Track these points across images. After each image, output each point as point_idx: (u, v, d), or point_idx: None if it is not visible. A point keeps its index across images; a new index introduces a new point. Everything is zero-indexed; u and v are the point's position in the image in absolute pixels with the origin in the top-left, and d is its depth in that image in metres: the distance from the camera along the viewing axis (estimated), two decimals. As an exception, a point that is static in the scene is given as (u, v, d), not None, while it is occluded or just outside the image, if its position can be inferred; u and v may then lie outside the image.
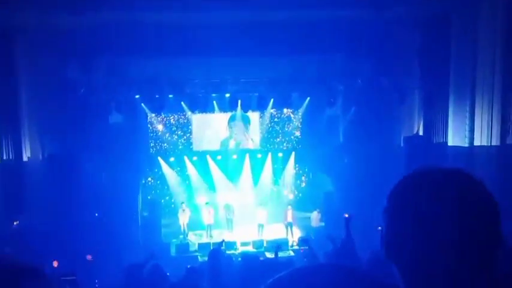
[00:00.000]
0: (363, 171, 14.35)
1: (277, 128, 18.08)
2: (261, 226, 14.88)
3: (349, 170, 15.15)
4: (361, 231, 7.66)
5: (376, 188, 13.82)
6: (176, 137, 17.56)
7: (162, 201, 16.46)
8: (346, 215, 7.17)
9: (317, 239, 10.84)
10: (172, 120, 17.52)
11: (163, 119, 17.40)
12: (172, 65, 13.63)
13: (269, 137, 18.06)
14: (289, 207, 14.97)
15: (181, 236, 15.09)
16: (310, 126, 17.23)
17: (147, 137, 17.20)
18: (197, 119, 17.46)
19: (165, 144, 17.46)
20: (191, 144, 17.65)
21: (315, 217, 15.17)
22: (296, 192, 18.32)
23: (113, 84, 13.91)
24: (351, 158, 15.45)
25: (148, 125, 17.13)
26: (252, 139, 17.86)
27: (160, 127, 17.37)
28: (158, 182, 17.49)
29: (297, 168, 18.31)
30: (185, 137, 17.67)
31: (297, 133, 18.09)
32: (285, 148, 18.12)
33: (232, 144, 17.85)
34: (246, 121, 17.62)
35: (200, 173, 17.63)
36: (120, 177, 13.84)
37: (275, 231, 14.85)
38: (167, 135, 17.55)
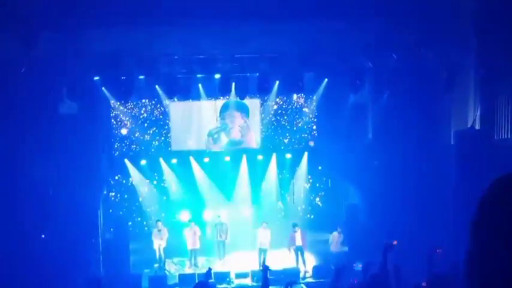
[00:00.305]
0: (399, 178, 14.67)
1: (285, 120, 18.35)
2: (263, 251, 15.04)
3: (381, 176, 15.37)
4: (399, 258, 7.82)
5: (419, 200, 14.47)
6: (149, 133, 17.83)
7: (130, 223, 16.65)
8: (395, 243, 7.51)
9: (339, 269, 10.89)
10: (143, 111, 17.76)
11: (131, 108, 17.64)
12: (143, 35, 13.62)
13: (273, 132, 18.33)
14: (297, 228, 15.04)
15: (156, 265, 15.31)
16: (329, 117, 17.44)
17: (110, 132, 17.37)
18: (177, 109, 17.72)
19: (134, 145, 17.79)
20: (169, 142, 17.94)
21: (335, 239, 15.37)
22: (310, 207, 18.65)
23: (63, 61, 13.80)
24: (384, 160, 15.67)
25: (112, 117, 17.40)
26: (250, 135, 18.16)
27: (127, 119, 17.63)
28: (125, 194, 17.86)
29: (310, 174, 18.54)
30: (161, 133, 17.95)
31: (311, 127, 18.37)
32: (295, 147, 18.33)
33: (224, 142, 18.09)
34: (243, 111, 17.91)
35: (181, 181, 17.92)
36: (74, 187, 14.08)
37: (282, 259, 14.99)
38: (137, 130, 17.78)
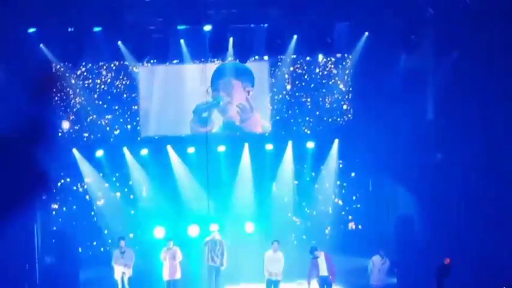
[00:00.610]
0: (472, 179, 15.21)
1: (305, 93, 18.26)
2: (272, 284, 15.01)
3: (446, 175, 15.61)
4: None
5: (499, 210, 14.63)
6: (108, 110, 17.85)
7: (80, 245, 16.83)
8: (447, 261, 7.79)
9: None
10: (100, 80, 17.79)
11: (82, 75, 17.60)
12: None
13: (289, 111, 18.29)
14: (319, 252, 14.76)
15: None
16: (369, 90, 17.32)
17: (52, 109, 16.53)
18: (149, 76, 17.91)
19: (87, 130, 17.91)
20: (137, 125, 18.05)
21: (376, 267, 15.27)
22: (340, 221, 18.57)
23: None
24: (449, 152, 15.84)
25: (55, 87, 16.86)
26: (255, 116, 18.19)
27: (76, 92, 17.63)
28: (74, 203, 17.98)
29: (342, 173, 18.50)
30: (126, 112, 18.02)
31: (344, 105, 18.21)
32: (319, 133, 18.11)
33: (217, 124, 18.03)
34: (245, 79, 18.02)
35: (154, 182, 18.08)
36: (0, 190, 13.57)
37: None
38: (90, 108, 17.78)
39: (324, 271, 14.61)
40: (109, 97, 17.96)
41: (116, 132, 18.11)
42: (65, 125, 17.68)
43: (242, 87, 18.04)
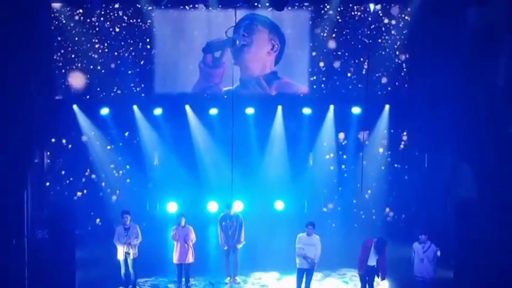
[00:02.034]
0: None
1: (351, 50, 17.83)
2: (305, 273, 14.29)
3: None
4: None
5: None
6: (117, 63, 17.46)
7: (77, 224, 15.89)
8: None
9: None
10: (107, 24, 17.40)
11: (85, 19, 17.16)
12: None
13: (332, 69, 17.92)
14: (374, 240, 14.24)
15: None
16: (430, 48, 16.82)
17: (49, 60, 16.81)
18: (166, 23, 17.55)
19: (90, 85, 17.49)
20: (150, 81, 17.75)
21: (418, 252, 14.13)
22: (387, 202, 18.46)
23: None
24: None
25: (53, 34, 17.03)
26: (286, 73, 17.88)
27: (79, 40, 17.16)
28: (71, 167, 17.69)
29: (392, 145, 18.37)
30: (137, 64, 17.63)
31: (398, 66, 17.86)
32: (366, 95, 17.06)
33: (236, 78, 17.40)
34: (274, 31, 17.61)
35: (169, 147, 17.90)
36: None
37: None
38: (96, 58, 17.36)
39: (372, 260, 13.93)
40: (117, 45, 17.43)
41: (125, 87, 17.75)
42: (71, 79, 17.39)
43: (267, 36, 17.60)
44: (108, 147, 18.00)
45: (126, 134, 17.91)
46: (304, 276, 14.25)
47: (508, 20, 15.40)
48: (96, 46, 17.40)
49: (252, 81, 18.03)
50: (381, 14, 17.53)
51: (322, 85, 17.96)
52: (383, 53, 17.85)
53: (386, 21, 17.60)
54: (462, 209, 15.59)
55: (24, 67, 14.70)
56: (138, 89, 17.81)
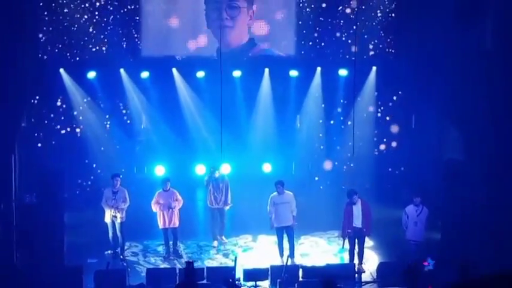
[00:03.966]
0: None
1: (339, 12, 17.81)
2: (286, 230, 14.58)
3: (509, 114, 14.58)
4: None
5: None
6: (103, 22, 17.39)
7: (66, 179, 15.96)
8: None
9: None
10: None
11: None
12: None
13: (319, 31, 17.87)
14: (357, 197, 14.47)
15: (108, 252, 15.06)
16: (417, 9, 16.95)
17: (35, 18, 16.68)
18: None
19: (76, 46, 17.38)
20: (137, 41, 17.81)
21: (411, 216, 14.56)
22: (373, 163, 18.56)
23: None
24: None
25: None
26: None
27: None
28: (59, 130, 17.83)
29: (380, 105, 18.47)
30: (124, 25, 17.54)
31: (385, 28, 17.93)
32: (353, 57, 17.13)
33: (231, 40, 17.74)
34: None
35: (156, 110, 17.98)
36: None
37: (325, 252, 15.27)
38: (82, 17, 17.28)
39: (358, 221, 14.25)
40: (103, 2, 17.38)
41: (112, 49, 17.65)
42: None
43: (246, 9, 17.56)
44: (97, 111, 17.94)
45: (111, 98, 17.86)
46: (285, 232, 14.41)
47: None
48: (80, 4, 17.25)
49: (252, 39, 17.97)
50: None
51: (309, 46, 17.88)
52: (371, 15, 17.77)
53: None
54: (449, 170, 15.71)
55: (9, 29, 14.56)
56: (124, 50, 17.67)
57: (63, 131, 18.06)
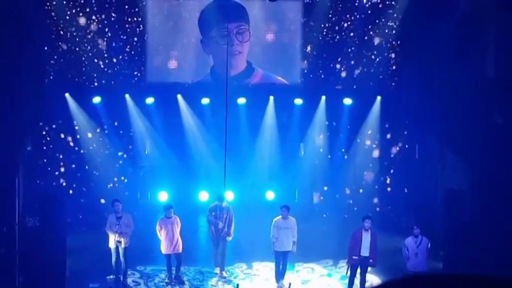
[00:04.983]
0: None
1: (343, 40, 17.86)
2: (282, 256, 14.71)
3: (508, 143, 14.72)
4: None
5: None
6: (110, 51, 17.54)
7: (69, 211, 16.17)
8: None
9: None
10: (100, 9, 17.27)
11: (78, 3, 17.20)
12: None
13: (324, 59, 17.92)
14: (369, 221, 14.39)
15: (111, 277, 15.06)
16: (421, 38, 16.91)
17: (40, 43, 16.79)
18: (159, 9, 17.71)
19: (82, 70, 17.49)
20: (143, 68, 17.88)
21: (411, 247, 14.50)
22: (377, 192, 18.61)
23: None
24: None
25: (46, 15, 16.96)
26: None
27: (71, 24, 17.20)
28: (63, 159, 17.81)
29: (382, 135, 18.49)
30: (130, 51, 17.74)
31: (390, 57, 17.90)
32: (358, 87, 17.76)
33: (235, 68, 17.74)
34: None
35: (160, 137, 18.00)
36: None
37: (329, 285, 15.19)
38: (87, 44, 17.41)
39: (366, 251, 14.13)
40: (111, 30, 17.49)
41: (118, 74, 17.76)
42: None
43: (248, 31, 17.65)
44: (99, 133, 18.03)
45: (116, 123, 17.96)
46: (281, 258, 14.51)
47: (496, 10, 15.64)
48: (84, 31, 17.31)
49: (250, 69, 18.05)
50: (373, 5, 17.57)
51: (314, 73, 17.94)
52: (376, 44, 17.85)
53: (378, 12, 17.60)
54: (451, 200, 15.91)
55: (14, 54, 14.85)
56: (130, 77, 17.81)
57: (61, 156, 17.97)
